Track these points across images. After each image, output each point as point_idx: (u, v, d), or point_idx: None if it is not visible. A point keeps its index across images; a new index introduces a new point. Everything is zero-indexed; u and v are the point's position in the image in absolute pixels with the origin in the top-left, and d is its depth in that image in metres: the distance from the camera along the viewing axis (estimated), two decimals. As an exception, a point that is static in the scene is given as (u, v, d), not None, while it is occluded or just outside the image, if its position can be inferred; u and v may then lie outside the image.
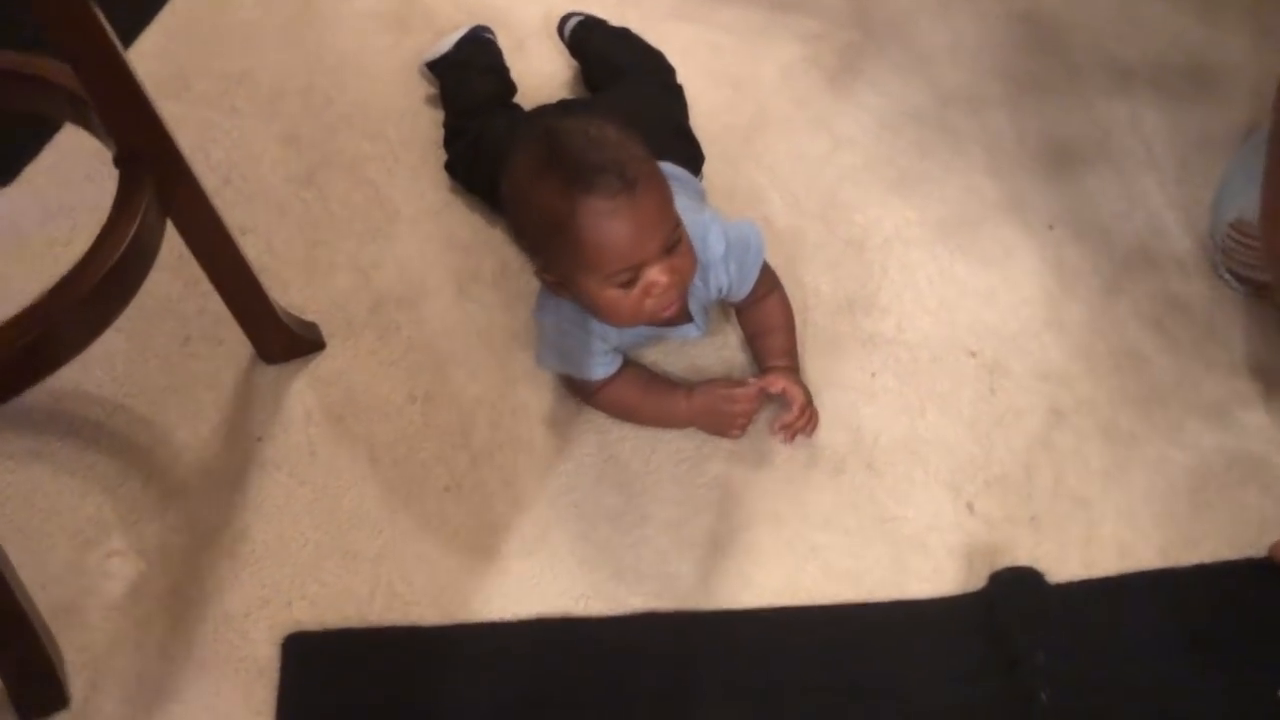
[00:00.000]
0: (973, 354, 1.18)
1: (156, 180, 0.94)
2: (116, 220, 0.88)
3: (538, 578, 1.02)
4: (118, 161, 0.94)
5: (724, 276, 1.09)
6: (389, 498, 1.08)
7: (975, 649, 0.95)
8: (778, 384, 1.10)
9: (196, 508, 1.07)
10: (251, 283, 1.11)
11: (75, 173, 1.36)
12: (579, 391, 1.13)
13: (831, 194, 1.33)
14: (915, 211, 1.31)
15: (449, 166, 1.35)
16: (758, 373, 1.14)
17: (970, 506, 1.07)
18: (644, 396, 1.12)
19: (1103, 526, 1.06)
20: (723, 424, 1.11)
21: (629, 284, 0.99)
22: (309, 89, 1.46)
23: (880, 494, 1.08)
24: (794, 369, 1.14)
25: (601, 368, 1.10)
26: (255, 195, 1.33)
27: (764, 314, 1.15)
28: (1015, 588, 0.97)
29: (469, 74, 1.38)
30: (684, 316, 1.12)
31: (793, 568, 1.03)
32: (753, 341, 1.17)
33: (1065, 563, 1.03)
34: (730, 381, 1.13)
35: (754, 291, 1.13)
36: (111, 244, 0.87)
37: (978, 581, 1.02)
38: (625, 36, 1.41)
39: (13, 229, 1.31)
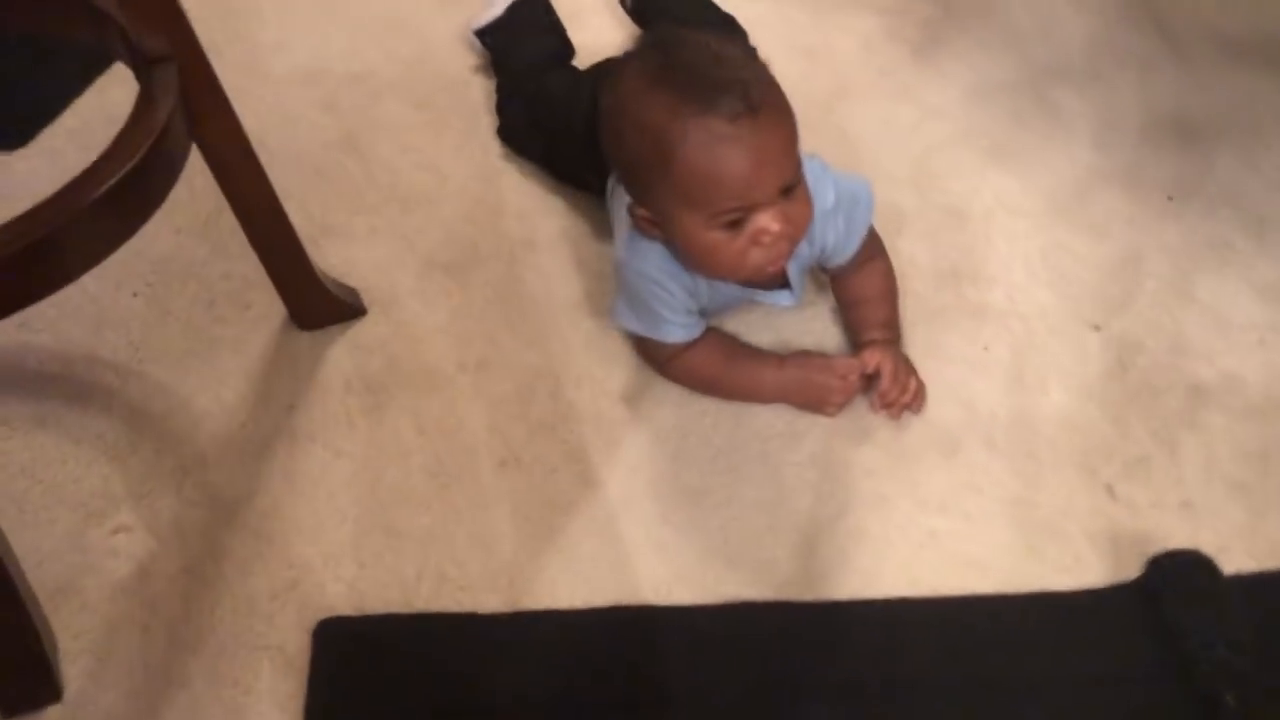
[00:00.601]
0: (1096, 328, 1.04)
1: (183, 91, 0.81)
2: (136, 121, 0.77)
3: (611, 561, 0.88)
4: (139, 70, 0.82)
5: (830, 233, 0.96)
6: (438, 472, 0.94)
7: (1138, 646, 0.80)
8: (872, 359, 0.96)
9: (217, 480, 0.93)
10: (289, 235, 0.99)
11: (95, 137, 1.22)
12: (653, 358, 0.99)
13: (923, 162, 1.21)
14: (1017, 181, 1.19)
15: (501, 132, 1.23)
16: (852, 352, 1.01)
17: (1110, 490, 0.92)
18: (727, 365, 0.98)
19: (1268, 514, 0.91)
20: (819, 396, 0.97)
21: (735, 227, 0.86)
22: (350, 56, 1.36)
23: (1004, 475, 0.93)
24: (894, 341, 1.00)
25: (682, 330, 0.96)
26: (291, 160, 1.21)
27: (863, 280, 1.02)
28: (1183, 574, 0.82)
29: (523, 33, 1.28)
30: (779, 280, 0.98)
31: (907, 555, 0.89)
32: (848, 311, 1.03)
33: (1229, 553, 0.88)
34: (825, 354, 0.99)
35: (856, 255, 1.00)
36: (131, 145, 0.75)
37: (1128, 571, 0.87)
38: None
39: (27, 190, 1.18)
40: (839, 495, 0.92)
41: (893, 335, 1.01)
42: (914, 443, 0.96)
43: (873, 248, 1.01)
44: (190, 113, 0.83)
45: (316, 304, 1.04)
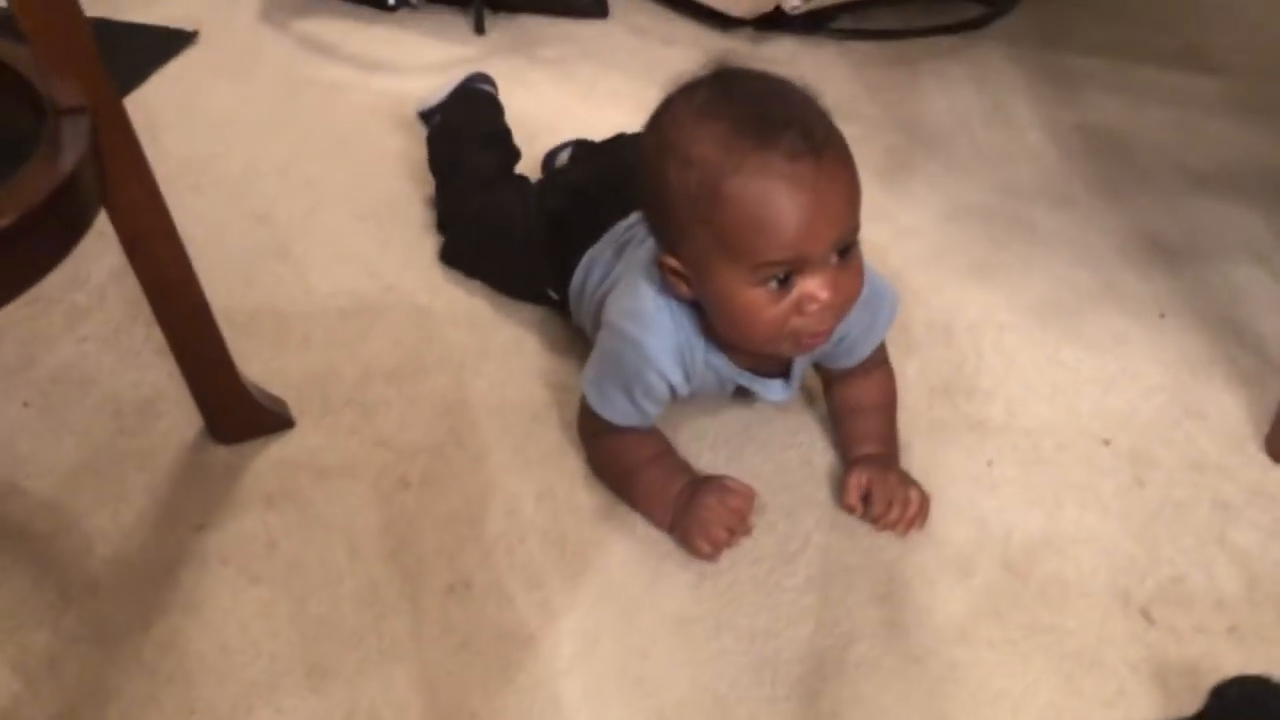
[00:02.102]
0: (1105, 442, 0.95)
1: (95, 147, 0.71)
2: (37, 168, 0.65)
3: (579, 703, 0.74)
4: (46, 122, 0.72)
5: (854, 325, 0.84)
6: (373, 600, 0.80)
7: (1212, 790, 0.67)
8: (859, 479, 0.86)
9: (107, 610, 0.78)
10: (210, 330, 0.88)
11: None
12: (585, 427, 0.90)
13: (901, 279, 1.14)
14: (1001, 298, 1.12)
15: (445, 255, 1.13)
16: (843, 469, 0.90)
17: (1146, 614, 0.81)
18: (648, 464, 0.86)
19: (1326, 639, 0.80)
20: (696, 526, 0.82)
21: (779, 289, 0.74)
22: (288, 170, 1.28)
23: (1027, 600, 0.82)
24: (888, 456, 0.90)
25: (634, 418, 0.85)
26: (217, 266, 1.08)
27: (863, 388, 0.92)
28: (1255, 705, 0.70)
29: (464, 146, 1.18)
30: (779, 367, 0.88)
31: (929, 690, 0.76)
32: (841, 423, 0.93)
33: (1291, 683, 0.76)
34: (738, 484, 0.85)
35: (865, 360, 0.90)
36: (27, 192, 0.63)
37: (1180, 705, 0.75)
38: (628, 139, 1.19)
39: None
40: (844, 623, 0.80)
41: (887, 450, 0.91)
42: (924, 564, 0.84)
43: (880, 355, 0.92)
44: (102, 173, 0.73)
45: (238, 414, 0.91)
